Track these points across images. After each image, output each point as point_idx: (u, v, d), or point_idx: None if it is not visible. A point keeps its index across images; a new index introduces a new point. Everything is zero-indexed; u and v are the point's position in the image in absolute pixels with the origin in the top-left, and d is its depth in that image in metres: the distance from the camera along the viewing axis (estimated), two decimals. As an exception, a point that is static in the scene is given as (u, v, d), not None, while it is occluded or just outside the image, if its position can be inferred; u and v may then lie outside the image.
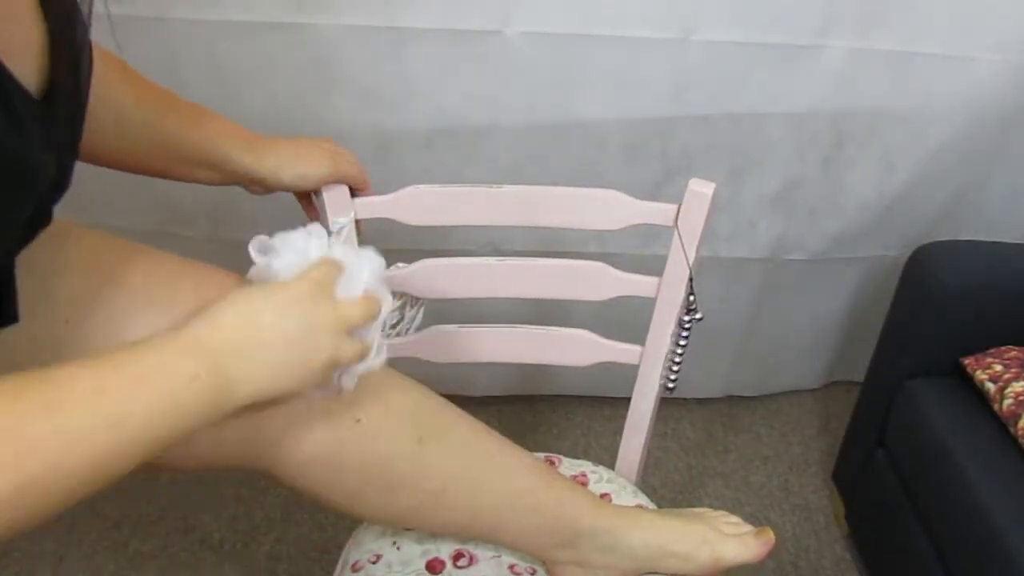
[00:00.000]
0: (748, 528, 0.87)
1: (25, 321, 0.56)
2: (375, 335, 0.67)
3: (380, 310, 0.67)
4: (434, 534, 0.87)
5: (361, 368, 0.67)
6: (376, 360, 0.68)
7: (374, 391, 0.75)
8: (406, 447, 0.76)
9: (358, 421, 0.73)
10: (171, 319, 0.62)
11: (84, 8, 0.55)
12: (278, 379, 0.60)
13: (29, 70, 0.50)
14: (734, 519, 0.88)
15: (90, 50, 0.57)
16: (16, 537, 0.47)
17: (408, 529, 0.88)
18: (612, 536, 0.83)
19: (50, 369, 0.50)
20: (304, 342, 0.61)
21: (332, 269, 0.65)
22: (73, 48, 0.54)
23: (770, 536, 0.85)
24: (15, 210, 0.50)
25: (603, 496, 0.97)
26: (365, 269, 0.67)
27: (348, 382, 0.67)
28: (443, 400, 0.82)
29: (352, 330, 0.64)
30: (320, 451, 0.72)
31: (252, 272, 0.67)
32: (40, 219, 0.56)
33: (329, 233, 0.84)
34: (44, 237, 0.57)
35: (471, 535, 0.86)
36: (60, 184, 0.56)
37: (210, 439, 0.64)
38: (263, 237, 0.66)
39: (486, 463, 0.82)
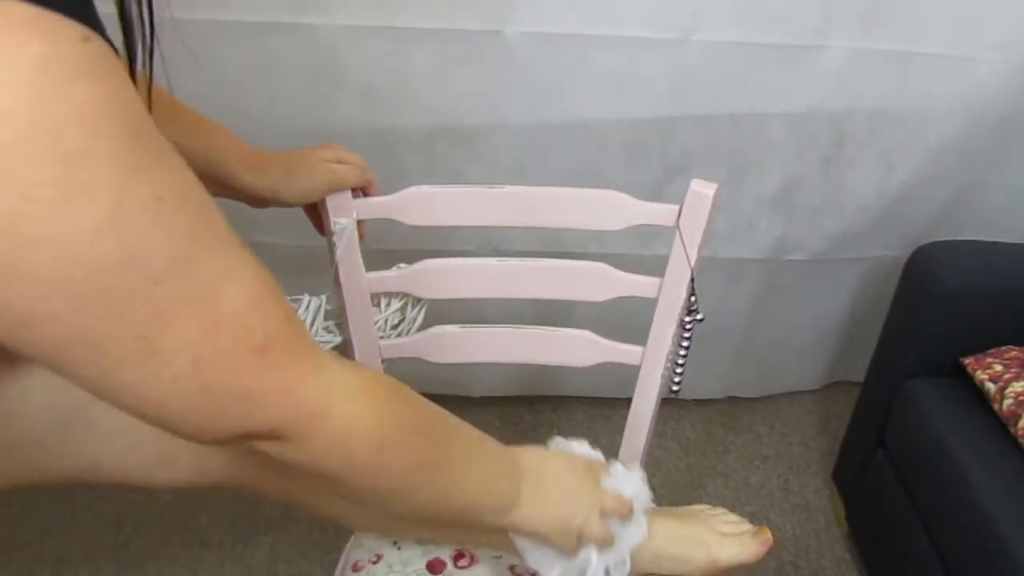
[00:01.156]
0: (747, 527, 0.87)
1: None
2: (623, 538, 0.76)
3: (630, 516, 0.76)
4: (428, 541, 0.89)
5: (601, 565, 0.75)
6: (618, 571, 0.76)
7: None
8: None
9: None
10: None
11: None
12: (546, 518, 0.70)
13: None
14: (733, 518, 0.88)
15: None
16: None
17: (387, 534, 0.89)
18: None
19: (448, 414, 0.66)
20: (568, 501, 0.72)
21: (603, 466, 0.77)
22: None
23: (768, 536, 0.85)
24: None
25: (604, 496, 0.97)
26: (631, 486, 0.78)
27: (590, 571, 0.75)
28: (445, 414, 0.85)
29: (604, 515, 0.73)
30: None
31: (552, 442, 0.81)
32: None
33: (335, 246, 0.87)
34: None
35: (461, 543, 0.87)
36: None
37: (195, 465, 0.72)
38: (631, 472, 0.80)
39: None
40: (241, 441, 0.51)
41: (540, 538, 0.71)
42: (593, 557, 0.74)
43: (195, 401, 0.47)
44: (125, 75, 0.42)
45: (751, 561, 0.84)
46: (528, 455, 0.72)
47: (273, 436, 0.51)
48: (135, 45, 0.53)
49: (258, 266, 0.50)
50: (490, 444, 0.69)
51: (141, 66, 0.55)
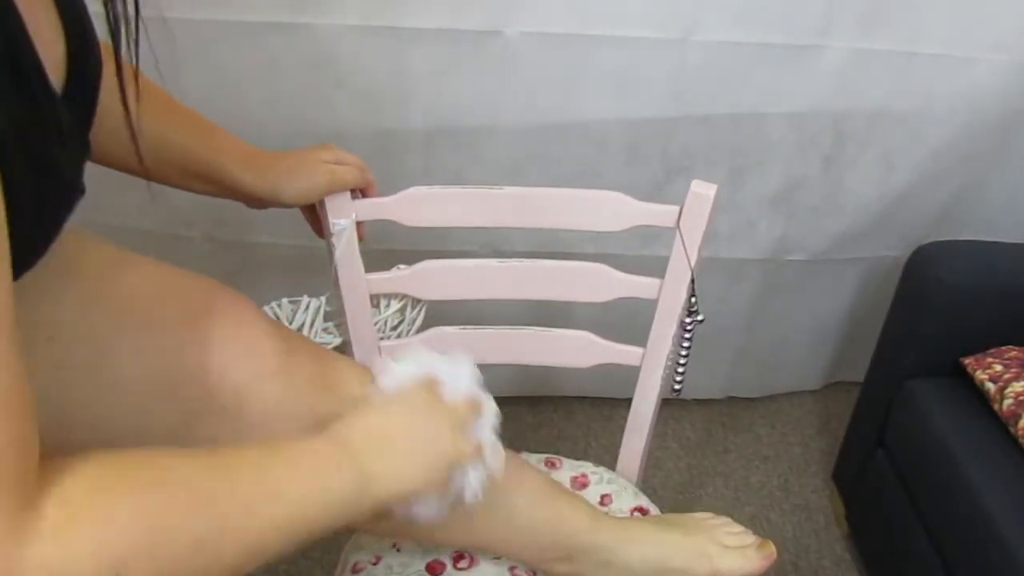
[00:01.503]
0: (750, 540, 0.87)
1: None
2: (487, 436, 0.70)
3: (485, 408, 0.70)
4: (424, 541, 0.87)
5: (479, 475, 0.69)
6: (494, 462, 0.70)
7: None
8: None
9: None
10: (155, 339, 0.63)
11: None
12: (408, 473, 0.62)
13: (53, 61, 0.49)
14: (737, 528, 0.87)
15: (97, 45, 0.56)
16: None
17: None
18: (609, 552, 0.83)
19: (219, 451, 0.54)
20: (430, 439, 0.64)
21: (434, 381, 0.68)
22: (84, 40, 0.54)
23: (772, 550, 0.84)
24: (55, 220, 0.50)
25: (604, 497, 0.97)
26: (463, 376, 0.71)
27: (470, 489, 0.69)
28: None
29: (466, 427, 0.67)
30: None
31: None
32: (54, 236, 0.55)
33: (334, 247, 0.86)
34: None
35: (465, 547, 0.86)
36: (78, 196, 0.54)
37: None
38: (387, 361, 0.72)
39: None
40: None
41: (417, 494, 0.64)
42: (470, 474, 0.68)
43: None
44: None
45: (754, 574, 0.84)
46: (351, 428, 0.62)
47: None
48: (119, 36, 0.51)
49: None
50: (296, 450, 0.58)
51: (127, 57, 0.53)
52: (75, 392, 0.61)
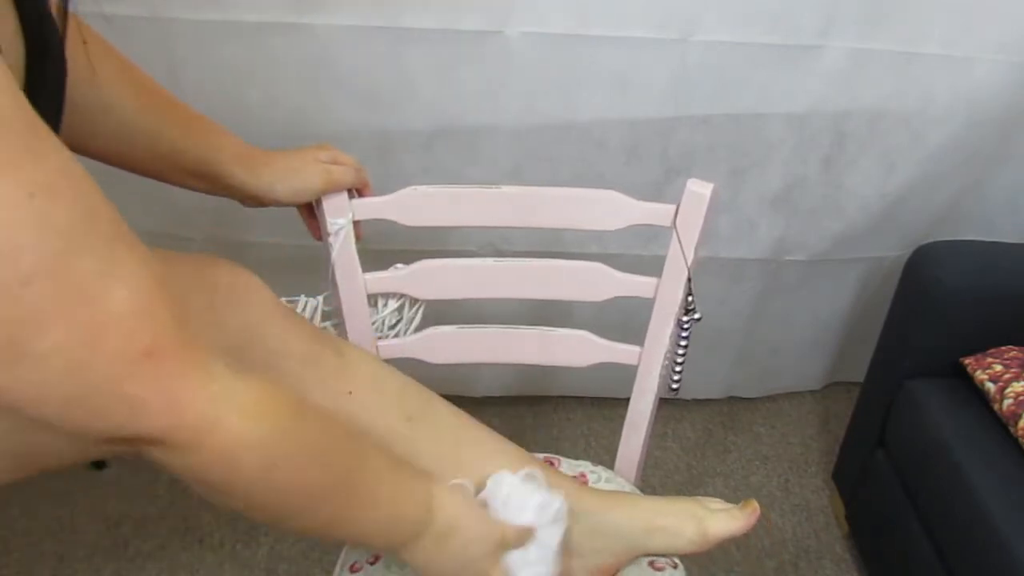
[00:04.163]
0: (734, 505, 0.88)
1: None
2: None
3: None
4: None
5: None
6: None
7: (361, 370, 0.80)
8: (397, 423, 0.78)
9: (350, 393, 0.77)
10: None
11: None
12: (430, 564, 0.69)
13: (12, 61, 0.49)
14: (719, 501, 0.88)
15: (60, 44, 0.57)
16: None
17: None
18: (596, 516, 0.83)
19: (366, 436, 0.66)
20: (460, 567, 0.70)
21: (520, 538, 0.74)
22: (43, 39, 0.54)
23: (755, 507, 0.85)
24: None
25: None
26: (537, 562, 0.76)
27: None
28: (424, 387, 0.84)
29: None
30: None
31: (493, 479, 0.79)
32: None
33: (332, 246, 0.87)
34: None
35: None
36: None
37: None
38: (534, 473, 0.80)
39: (471, 445, 0.83)
40: (126, 444, 0.49)
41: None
42: None
43: (70, 404, 0.45)
44: None
45: (741, 532, 0.84)
46: (448, 506, 0.68)
47: (157, 443, 0.49)
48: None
49: (148, 267, 0.47)
50: (407, 479, 0.67)
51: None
52: None
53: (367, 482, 0.62)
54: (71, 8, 0.55)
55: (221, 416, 0.50)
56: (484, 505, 0.76)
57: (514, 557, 0.74)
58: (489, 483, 0.78)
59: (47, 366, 0.43)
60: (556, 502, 0.77)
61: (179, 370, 0.48)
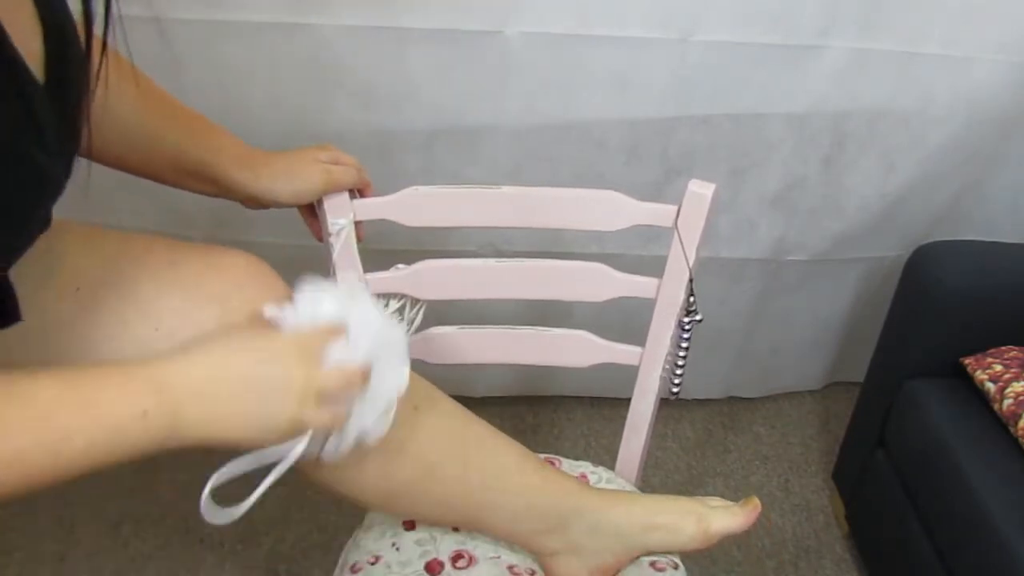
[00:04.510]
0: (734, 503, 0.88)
1: (33, 300, 0.57)
2: (372, 409, 0.67)
3: (370, 383, 0.66)
4: (423, 518, 0.88)
5: (344, 444, 0.67)
6: (371, 435, 0.68)
7: None
8: (403, 412, 0.76)
9: None
10: (177, 276, 0.69)
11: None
12: (231, 429, 0.60)
13: (32, 55, 0.50)
14: (719, 499, 0.88)
15: (78, 39, 0.57)
16: None
17: (398, 515, 0.89)
18: (597, 514, 0.83)
19: (16, 379, 0.52)
20: (268, 399, 0.60)
21: (328, 334, 0.65)
22: (63, 35, 0.54)
23: (756, 504, 0.85)
24: (33, 212, 0.50)
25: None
26: (373, 337, 0.66)
27: (329, 449, 0.66)
28: (429, 383, 0.83)
29: (330, 397, 0.63)
30: None
31: (268, 310, 0.68)
32: (44, 222, 0.56)
33: (333, 246, 0.86)
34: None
35: (461, 517, 0.86)
36: (63, 183, 0.56)
37: None
38: (309, 283, 0.68)
39: (475, 440, 0.83)
40: None
41: (227, 444, 0.61)
42: (329, 440, 0.66)
43: None
44: None
45: (742, 528, 0.84)
46: (189, 371, 0.58)
47: None
48: (92, 15, 0.52)
49: None
50: (92, 389, 0.55)
51: (109, 38, 0.56)
52: (101, 330, 0.66)
53: (41, 422, 0.52)
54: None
55: None
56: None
57: (339, 352, 0.63)
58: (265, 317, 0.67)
59: None
60: (346, 281, 0.68)
61: None
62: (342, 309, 0.66)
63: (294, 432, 0.62)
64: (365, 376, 0.65)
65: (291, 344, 0.63)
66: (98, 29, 0.56)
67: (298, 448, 0.63)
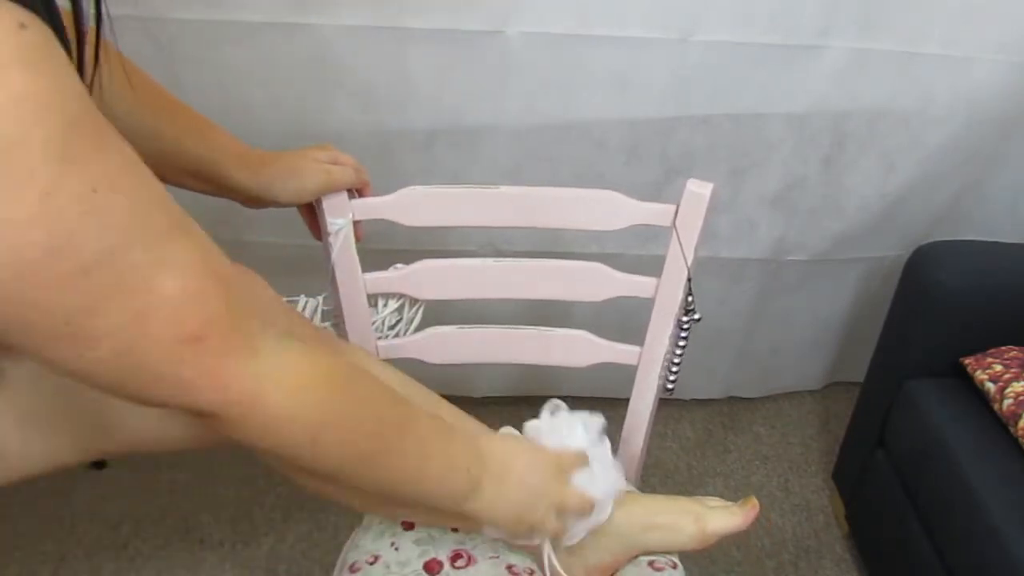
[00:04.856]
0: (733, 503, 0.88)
1: None
2: (580, 529, 0.79)
3: (592, 514, 0.78)
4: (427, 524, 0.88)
5: (554, 549, 0.80)
6: (571, 542, 0.80)
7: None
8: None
9: None
10: None
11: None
12: (497, 510, 0.72)
13: None
14: (718, 499, 0.88)
15: (63, 30, 0.57)
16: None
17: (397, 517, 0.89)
18: None
19: (406, 398, 0.68)
20: (531, 498, 0.73)
21: (579, 461, 0.78)
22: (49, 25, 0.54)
23: (755, 504, 0.85)
24: None
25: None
26: (609, 480, 0.80)
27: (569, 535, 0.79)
28: (425, 387, 0.86)
29: (563, 513, 0.75)
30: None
31: (528, 426, 0.83)
32: None
33: (331, 246, 0.87)
34: None
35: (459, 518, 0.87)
36: None
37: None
38: (558, 403, 0.85)
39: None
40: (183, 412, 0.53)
41: (494, 526, 0.74)
42: (545, 548, 0.79)
43: (122, 378, 0.49)
44: (66, 64, 0.42)
45: (741, 528, 0.84)
46: (497, 449, 0.73)
47: (209, 416, 0.53)
48: (82, 9, 0.53)
49: (203, 254, 0.51)
50: (454, 436, 0.70)
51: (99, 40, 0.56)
52: None
53: (417, 441, 0.66)
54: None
55: (263, 392, 0.54)
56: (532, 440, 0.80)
57: (581, 479, 0.76)
58: (527, 427, 0.82)
59: (99, 346, 0.46)
60: (596, 417, 0.82)
61: (225, 350, 0.52)
62: (589, 442, 0.81)
63: (533, 533, 0.75)
64: (594, 507, 0.78)
65: (554, 461, 0.76)
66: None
67: (546, 551, 0.80)
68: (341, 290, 0.90)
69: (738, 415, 1.82)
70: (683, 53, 1.24)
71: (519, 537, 0.76)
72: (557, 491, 0.74)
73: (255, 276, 0.77)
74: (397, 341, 0.95)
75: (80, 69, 0.57)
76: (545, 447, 0.78)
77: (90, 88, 0.58)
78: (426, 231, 0.89)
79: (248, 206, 0.84)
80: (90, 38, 0.55)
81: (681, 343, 0.92)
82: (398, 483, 0.66)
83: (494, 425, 0.85)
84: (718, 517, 0.84)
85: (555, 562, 0.79)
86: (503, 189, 0.88)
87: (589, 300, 0.93)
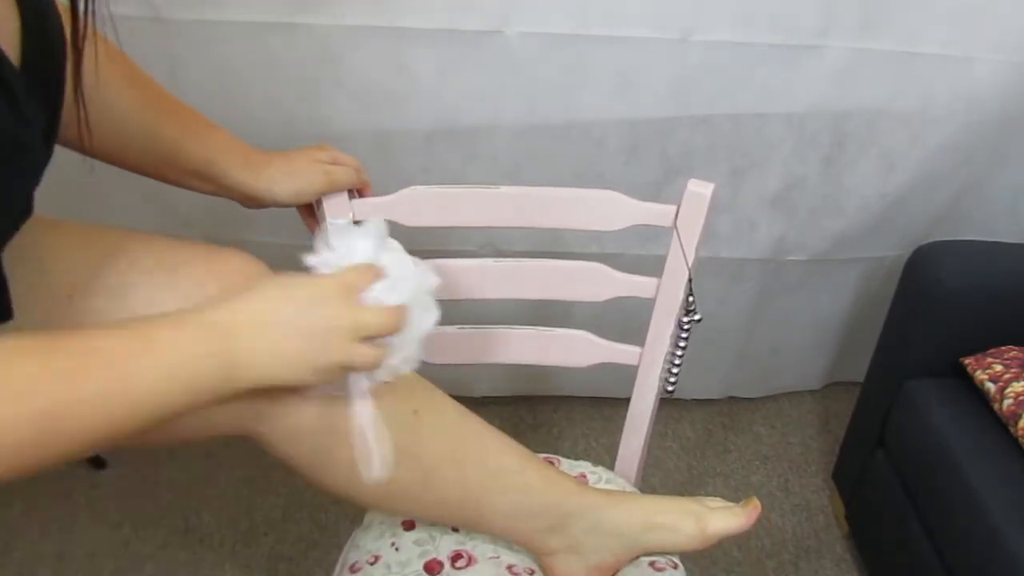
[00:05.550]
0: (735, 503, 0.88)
1: (25, 305, 0.57)
2: (407, 346, 0.69)
3: (407, 323, 0.67)
4: (423, 518, 0.88)
5: (381, 376, 0.69)
6: (404, 368, 0.70)
7: None
8: (404, 417, 0.77)
9: None
10: (175, 281, 0.67)
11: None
12: (281, 369, 0.62)
13: (7, 36, 0.50)
14: (719, 500, 0.88)
15: (56, 20, 0.57)
16: (37, 473, 0.52)
17: (398, 515, 0.89)
18: (596, 513, 0.83)
19: (75, 335, 0.54)
20: (315, 340, 0.62)
21: (367, 274, 0.66)
22: (42, 18, 0.54)
23: (756, 504, 0.85)
24: (13, 196, 0.50)
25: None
26: (409, 280, 0.69)
27: (359, 385, 0.69)
28: (432, 384, 0.83)
29: (371, 337, 0.65)
30: (315, 413, 0.71)
31: (309, 258, 0.69)
32: (24, 208, 0.56)
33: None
34: (34, 227, 0.57)
35: (461, 517, 0.85)
36: (42, 167, 0.56)
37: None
38: (339, 223, 0.71)
39: (475, 441, 0.83)
40: None
41: (291, 385, 0.64)
42: (350, 382, 0.68)
43: None
44: None
45: (742, 529, 0.84)
46: (229, 313, 0.60)
47: None
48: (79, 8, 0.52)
49: None
50: (151, 339, 0.57)
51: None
52: None
53: (104, 371, 0.54)
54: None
55: None
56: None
57: (377, 292, 0.66)
58: (306, 261, 0.69)
59: None
60: (375, 222, 0.70)
61: None
62: (375, 251, 0.68)
63: (343, 371, 0.65)
64: (403, 315, 0.67)
65: (334, 286, 0.65)
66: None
67: (362, 384, 0.68)
68: (341, 290, 0.90)
69: (738, 415, 1.82)
70: (683, 53, 1.24)
71: (335, 382, 0.66)
72: (346, 315, 0.63)
73: (263, 267, 0.74)
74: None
75: (77, 66, 0.57)
76: (318, 278, 0.67)
77: (79, 85, 0.58)
78: (426, 231, 0.89)
79: (248, 206, 0.83)
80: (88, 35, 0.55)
81: (682, 343, 0.92)
82: (131, 414, 0.55)
83: (494, 425, 0.85)
84: (719, 518, 0.84)
85: (368, 404, 0.70)
86: (503, 189, 0.88)
87: (589, 300, 0.93)
